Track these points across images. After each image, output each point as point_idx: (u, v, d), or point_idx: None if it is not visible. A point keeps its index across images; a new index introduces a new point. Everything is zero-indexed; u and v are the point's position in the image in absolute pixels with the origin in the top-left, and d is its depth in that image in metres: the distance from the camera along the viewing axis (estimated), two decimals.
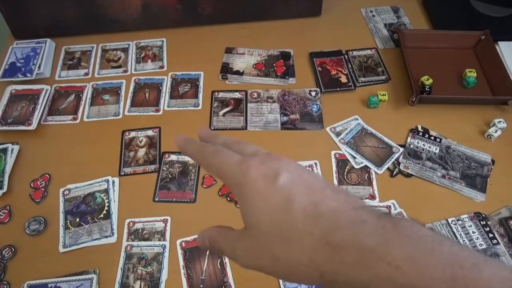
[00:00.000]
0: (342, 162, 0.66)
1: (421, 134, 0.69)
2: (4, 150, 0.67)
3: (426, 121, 0.71)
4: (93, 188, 0.63)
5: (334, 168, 0.66)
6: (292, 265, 0.24)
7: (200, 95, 0.75)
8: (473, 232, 0.59)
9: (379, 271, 0.21)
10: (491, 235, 0.58)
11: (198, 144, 0.31)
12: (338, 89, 0.76)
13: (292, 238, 0.24)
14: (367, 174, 0.65)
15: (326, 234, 0.23)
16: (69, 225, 0.60)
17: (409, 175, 0.65)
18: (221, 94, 0.75)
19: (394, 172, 0.65)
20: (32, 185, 0.64)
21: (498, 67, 0.74)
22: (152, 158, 0.67)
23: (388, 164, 0.66)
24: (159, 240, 0.58)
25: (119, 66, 0.80)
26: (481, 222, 0.60)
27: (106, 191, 0.63)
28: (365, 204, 0.25)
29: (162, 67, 0.80)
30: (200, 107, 0.73)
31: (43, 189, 0.63)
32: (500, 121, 0.69)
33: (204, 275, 0.55)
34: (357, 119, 0.71)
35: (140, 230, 0.59)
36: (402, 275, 0.21)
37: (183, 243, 0.58)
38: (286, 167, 0.26)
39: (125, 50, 0.82)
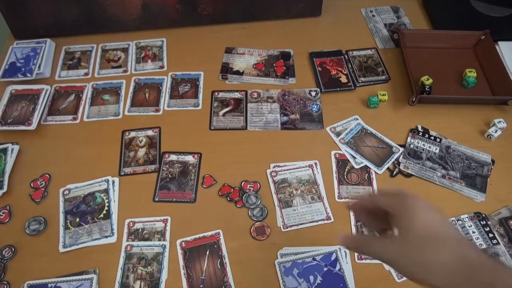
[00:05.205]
0: (342, 162, 0.66)
1: (421, 134, 0.69)
2: (4, 150, 0.67)
3: (426, 121, 0.71)
4: (93, 188, 0.63)
5: (334, 168, 0.66)
6: (433, 266, 0.33)
7: (200, 95, 0.75)
8: (473, 232, 0.59)
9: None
10: (491, 235, 0.58)
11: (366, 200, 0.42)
12: (338, 89, 0.76)
13: (445, 243, 0.34)
14: (367, 174, 0.65)
15: (464, 252, 0.33)
16: (69, 225, 0.60)
17: (409, 175, 0.65)
18: (221, 94, 0.75)
19: (394, 172, 0.65)
20: (32, 185, 0.64)
21: (498, 67, 0.74)
22: (152, 158, 0.67)
23: (388, 164, 0.66)
24: (159, 240, 0.58)
25: (119, 66, 0.80)
26: (481, 222, 0.60)
27: (106, 191, 0.63)
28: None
29: (162, 67, 0.80)
30: (200, 107, 0.73)
31: (43, 189, 0.63)
32: (500, 121, 0.69)
33: (204, 275, 0.55)
34: (357, 119, 0.71)
35: (140, 230, 0.59)
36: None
37: (183, 243, 0.58)
38: (447, 223, 0.37)
39: (125, 50, 0.82)
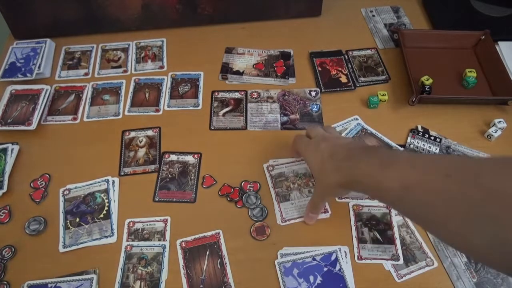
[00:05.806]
0: None
1: (421, 134, 0.69)
2: (4, 150, 0.67)
3: (426, 121, 0.71)
4: (93, 188, 0.63)
5: None
6: (327, 184, 0.52)
7: (200, 95, 0.75)
8: None
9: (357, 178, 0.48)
10: None
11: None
12: (338, 89, 0.76)
13: (326, 172, 0.52)
14: None
15: (338, 167, 0.50)
16: (69, 225, 0.60)
17: None
18: (221, 94, 0.75)
19: None
20: (32, 185, 0.64)
21: (498, 67, 0.74)
22: (152, 158, 0.67)
23: None
24: (159, 240, 0.58)
25: (119, 66, 0.80)
26: None
27: (106, 191, 0.63)
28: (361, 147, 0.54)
29: (162, 67, 0.80)
30: (200, 107, 0.73)
31: (43, 189, 0.63)
32: (500, 121, 0.69)
33: (204, 275, 0.55)
34: (357, 119, 0.71)
35: (140, 230, 0.59)
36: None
37: (183, 243, 0.58)
38: (324, 140, 0.55)
39: (125, 50, 0.82)
